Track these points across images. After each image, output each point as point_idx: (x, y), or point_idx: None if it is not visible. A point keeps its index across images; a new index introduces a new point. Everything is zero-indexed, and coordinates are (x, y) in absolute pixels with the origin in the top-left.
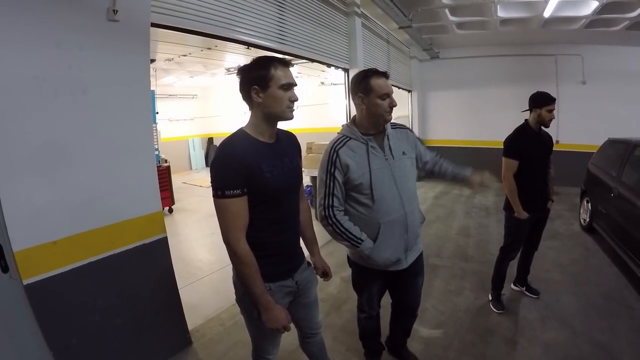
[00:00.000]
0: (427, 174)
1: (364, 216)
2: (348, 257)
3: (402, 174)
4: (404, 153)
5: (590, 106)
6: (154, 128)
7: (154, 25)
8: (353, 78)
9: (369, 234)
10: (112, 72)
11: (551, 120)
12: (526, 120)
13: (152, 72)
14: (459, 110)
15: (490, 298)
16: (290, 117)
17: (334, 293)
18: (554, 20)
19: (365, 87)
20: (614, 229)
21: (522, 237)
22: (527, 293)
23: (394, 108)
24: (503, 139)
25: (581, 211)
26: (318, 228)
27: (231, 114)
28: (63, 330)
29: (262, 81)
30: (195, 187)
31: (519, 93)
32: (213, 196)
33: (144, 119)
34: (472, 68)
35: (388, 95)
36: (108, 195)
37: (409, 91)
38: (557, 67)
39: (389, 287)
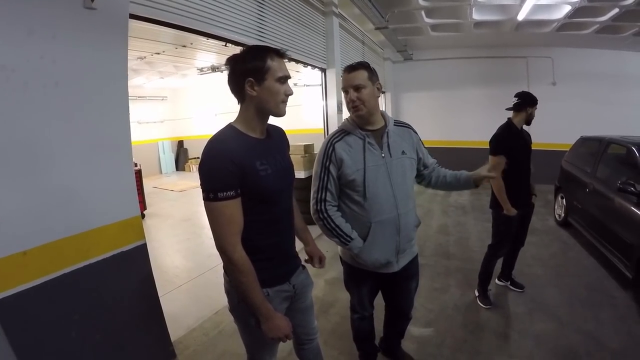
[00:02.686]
0: (424, 180)
1: (356, 214)
2: (340, 257)
3: (399, 173)
4: (403, 152)
5: (560, 106)
6: None
7: (132, 16)
8: None
9: (359, 233)
10: (87, 64)
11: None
12: (509, 118)
13: None
14: (433, 111)
15: (477, 294)
16: (284, 113)
17: (319, 296)
18: (527, 23)
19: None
20: (590, 222)
21: (512, 233)
22: (512, 287)
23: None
24: (477, 139)
25: (556, 207)
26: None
27: (202, 117)
28: (38, 350)
29: (257, 73)
30: (166, 192)
31: (492, 94)
32: (204, 199)
33: (121, 115)
34: (445, 70)
35: (346, 90)
36: (82, 200)
37: (383, 92)
38: (528, 69)
39: (381, 289)
